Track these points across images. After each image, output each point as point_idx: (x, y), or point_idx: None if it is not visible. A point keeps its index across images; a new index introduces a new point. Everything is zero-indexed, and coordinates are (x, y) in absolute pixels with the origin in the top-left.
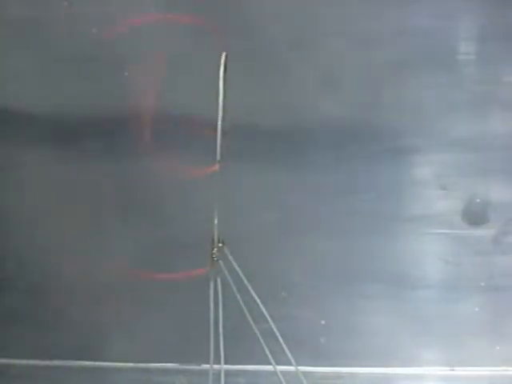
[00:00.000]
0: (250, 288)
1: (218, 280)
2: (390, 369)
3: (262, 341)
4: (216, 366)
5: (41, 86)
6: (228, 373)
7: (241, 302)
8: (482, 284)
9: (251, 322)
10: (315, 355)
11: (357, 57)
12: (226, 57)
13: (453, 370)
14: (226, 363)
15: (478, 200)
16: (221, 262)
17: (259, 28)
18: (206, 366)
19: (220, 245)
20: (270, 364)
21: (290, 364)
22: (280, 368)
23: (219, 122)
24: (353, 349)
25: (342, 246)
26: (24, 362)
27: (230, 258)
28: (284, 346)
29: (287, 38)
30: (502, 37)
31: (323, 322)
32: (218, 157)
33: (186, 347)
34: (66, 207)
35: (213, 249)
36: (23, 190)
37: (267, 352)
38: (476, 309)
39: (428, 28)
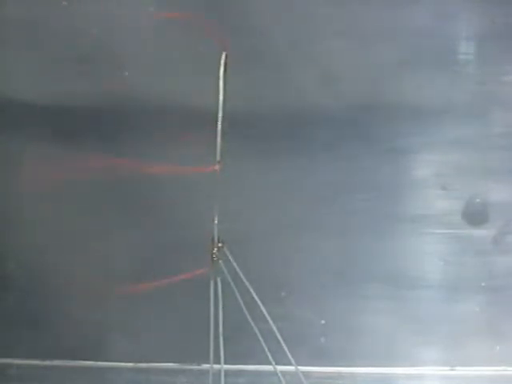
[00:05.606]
0: (249, 288)
1: (218, 280)
2: (389, 369)
3: (262, 341)
4: (216, 366)
5: (40, 86)
6: (228, 373)
7: (241, 302)
8: (482, 284)
9: (251, 322)
10: (315, 355)
11: (357, 56)
12: (226, 57)
13: (453, 370)
14: (226, 363)
15: (478, 200)
16: (221, 261)
17: (259, 28)
18: (206, 366)
19: (220, 245)
20: (270, 364)
21: (290, 364)
22: (280, 368)
23: (219, 122)
24: (353, 349)
25: (341, 245)
26: (24, 361)
27: (230, 258)
28: (284, 346)
29: (287, 38)
30: (502, 37)
31: (323, 322)
32: (218, 157)
33: (186, 347)
34: (65, 207)
35: (213, 249)
36: (23, 189)
37: (267, 352)
38: (476, 309)
39: (428, 28)
